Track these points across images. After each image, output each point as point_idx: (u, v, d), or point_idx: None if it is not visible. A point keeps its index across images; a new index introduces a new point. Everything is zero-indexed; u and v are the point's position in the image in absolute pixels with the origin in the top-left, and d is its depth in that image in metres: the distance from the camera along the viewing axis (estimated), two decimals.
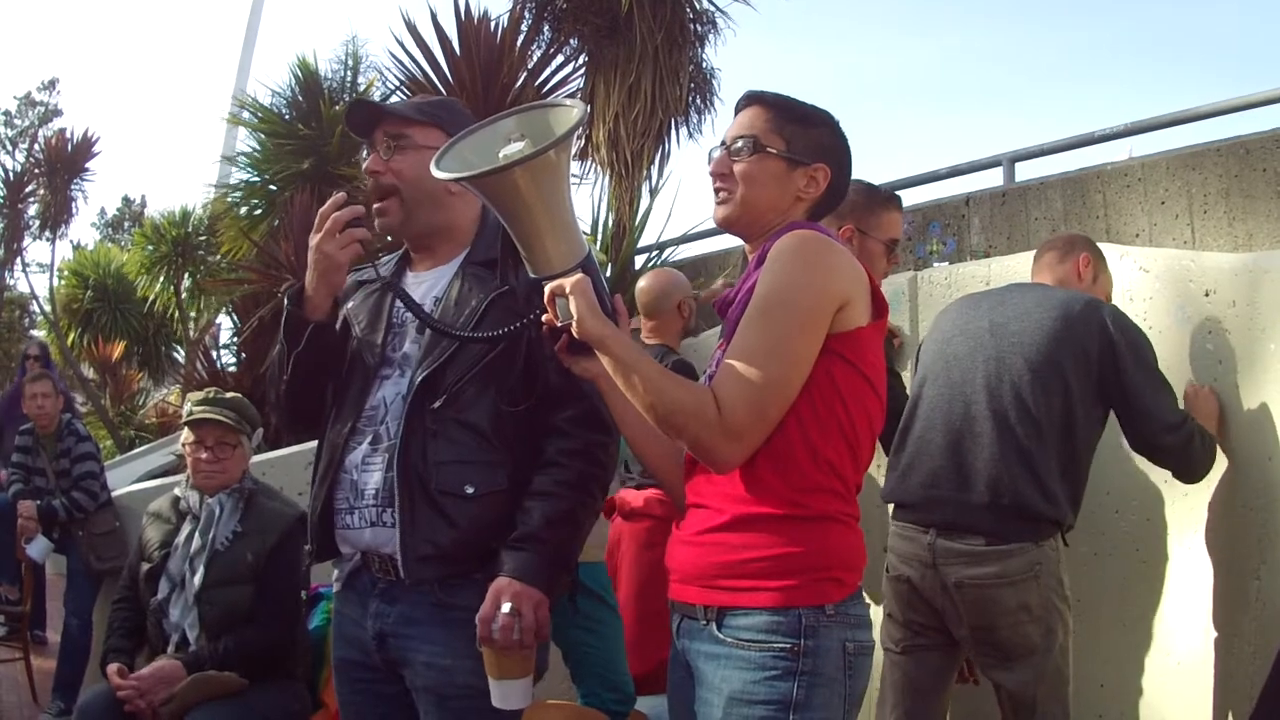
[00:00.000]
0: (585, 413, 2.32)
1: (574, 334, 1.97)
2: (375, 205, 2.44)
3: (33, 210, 18.88)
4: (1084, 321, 3.16)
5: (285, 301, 2.41)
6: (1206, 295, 3.45)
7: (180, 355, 17.44)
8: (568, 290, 1.96)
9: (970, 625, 3.10)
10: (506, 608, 2.12)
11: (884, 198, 3.43)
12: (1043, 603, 3.06)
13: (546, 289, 2.01)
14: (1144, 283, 3.64)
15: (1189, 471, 3.18)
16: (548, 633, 2.21)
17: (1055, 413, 3.11)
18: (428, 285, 2.47)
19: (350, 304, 2.54)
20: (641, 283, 4.79)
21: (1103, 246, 3.76)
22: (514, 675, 2.14)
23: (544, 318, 2.05)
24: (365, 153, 2.58)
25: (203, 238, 14.80)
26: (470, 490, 2.27)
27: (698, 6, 10.00)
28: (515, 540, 2.23)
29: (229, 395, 4.03)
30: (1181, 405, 3.24)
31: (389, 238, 2.54)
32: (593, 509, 2.37)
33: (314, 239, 2.32)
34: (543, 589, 2.19)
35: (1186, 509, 3.42)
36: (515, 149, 1.97)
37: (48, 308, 18.42)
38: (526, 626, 2.13)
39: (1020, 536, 3.05)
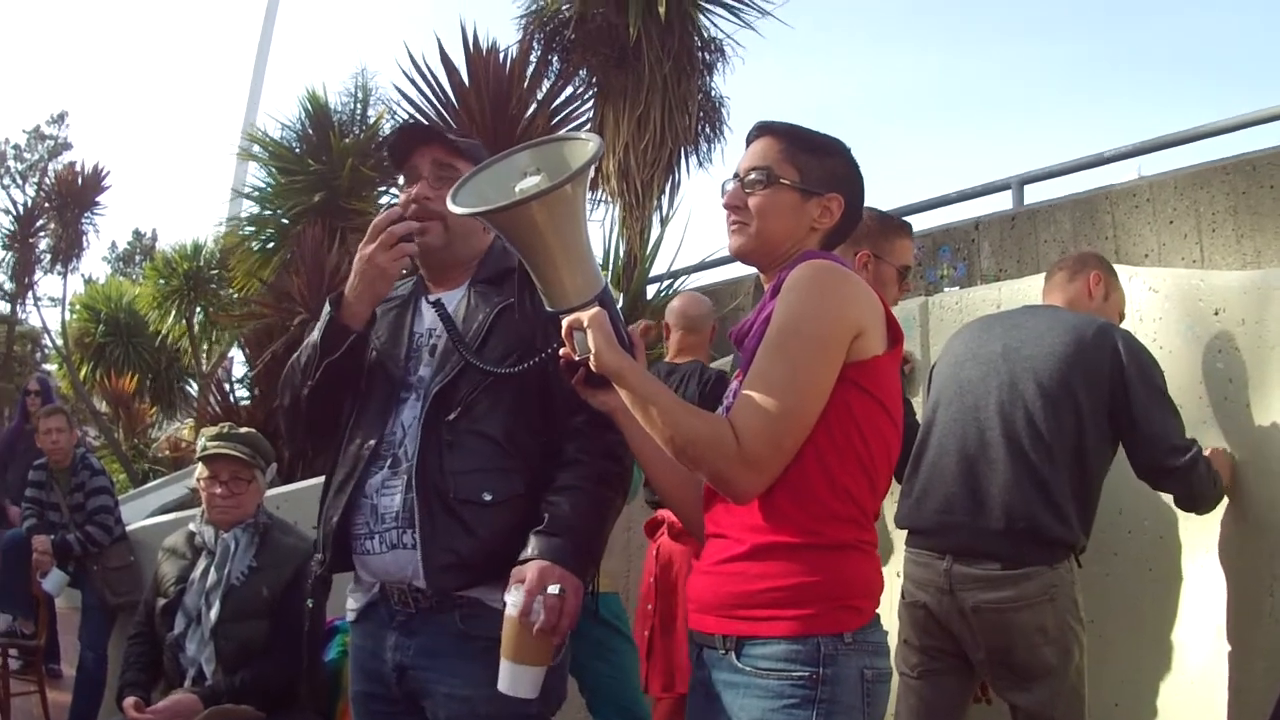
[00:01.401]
0: (601, 415, 2.31)
1: (592, 367, 1.98)
2: (418, 224, 2.45)
3: (43, 244, 18.99)
4: (1097, 346, 3.17)
5: (326, 306, 2.43)
6: (1216, 314, 3.46)
7: (193, 389, 17.49)
8: (585, 324, 1.98)
9: (987, 648, 3.10)
10: (555, 589, 2.10)
11: (896, 224, 3.44)
12: (1059, 624, 3.06)
13: (564, 322, 2.02)
14: (1153, 303, 3.64)
15: (1194, 498, 3.17)
16: (574, 624, 2.19)
17: (1068, 436, 3.12)
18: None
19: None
20: (683, 302, 4.90)
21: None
22: (533, 661, 2.10)
23: (561, 351, 2.07)
24: (402, 180, 2.61)
25: (214, 271, 14.86)
26: (489, 497, 2.28)
27: (705, 35, 10.04)
28: (549, 528, 2.22)
29: (243, 430, 4.05)
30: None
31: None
32: (614, 506, 2.37)
33: (366, 248, 2.35)
34: (580, 577, 2.19)
35: (1198, 528, 3.41)
36: (531, 183, 1.99)
37: (60, 342, 18.52)
38: (569, 610, 2.12)
39: (1036, 560, 3.06)
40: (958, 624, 3.13)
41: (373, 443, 2.41)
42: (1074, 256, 3.64)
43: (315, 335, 2.44)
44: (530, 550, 2.19)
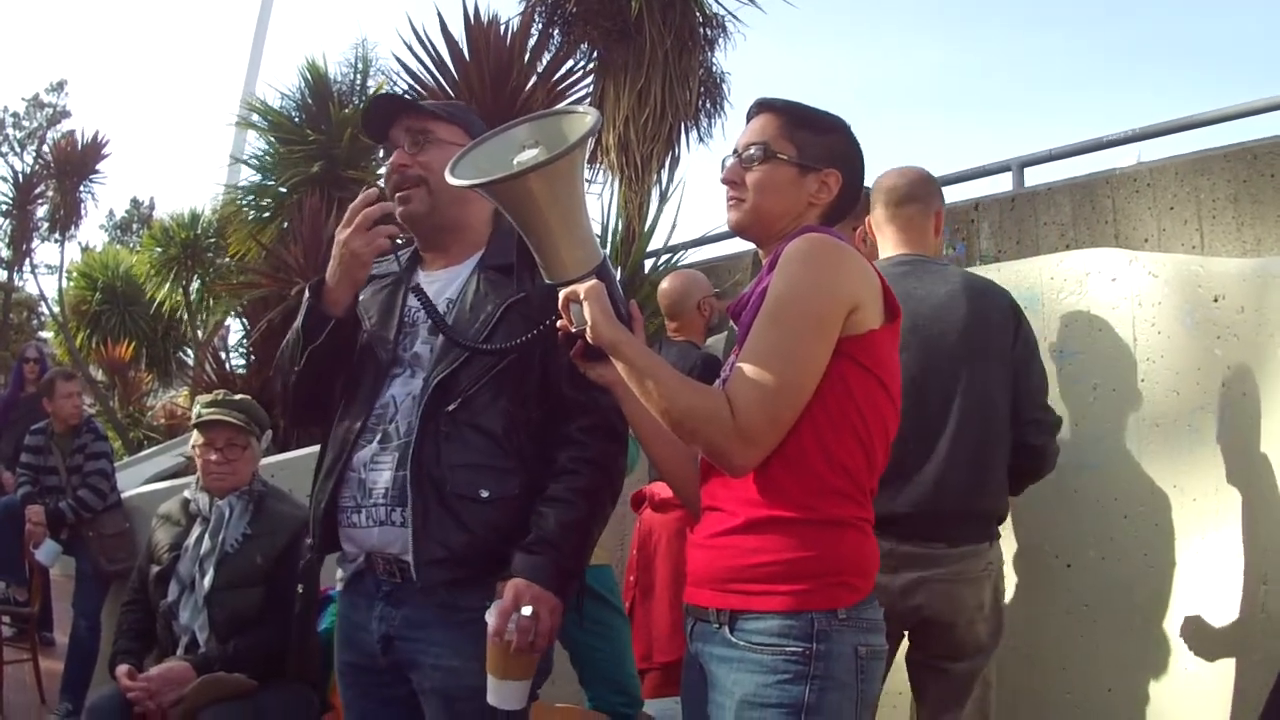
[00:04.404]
0: (598, 423, 2.33)
1: (588, 340, 1.98)
2: (399, 194, 2.44)
3: (41, 212, 19.02)
4: (999, 310, 3.14)
5: (306, 293, 2.42)
6: (1215, 300, 3.45)
7: (189, 357, 17.49)
8: (582, 296, 1.97)
9: (928, 623, 3.08)
10: (527, 611, 2.12)
11: None
12: (994, 601, 3.11)
13: (561, 295, 2.02)
14: (1153, 288, 3.63)
15: (1047, 457, 3.17)
16: (551, 640, 2.22)
17: (999, 410, 3.10)
18: (440, 285, 2.47)
19: (360, 297, 2.51)
20: (663, 284, 4.86)
21: (1112, 251, 3.76)
22: (517, 676, 2.14)
23: (559, 324, 2.06)
24: (382, 154, 2.60)
25: (211, 240, 14.84)
26: (485, 494, 2.27)
27: (707, 10, 10.02)
28: (531, 544, 2.23)
29: (238, 397, 4.04)
30: None
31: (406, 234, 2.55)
32: (603, 518, 2.36)
33: (341, 233, 2.33)
34: (558, 594, 2.20)
35: (1194, 514, 3.42)
36: (529, 156, 1.99)
37: (56, 309, 18.53)
38: (542, 630, 2.14)
39: (977, 538, 3.08)
40: (899, 601, 3.08)
41: (359, 423, 2.40)
42: (917, 181, 3.28)
43: (298, 322, 2.43)
44: (513, 566, 2.21)
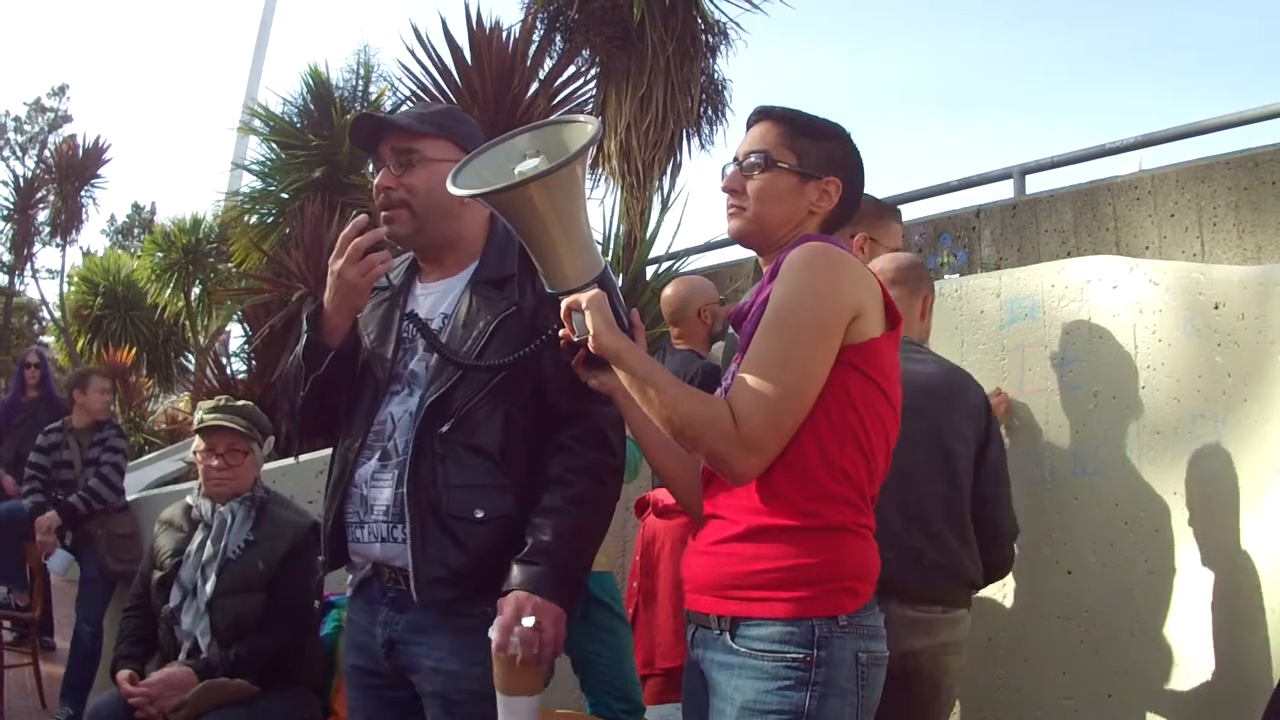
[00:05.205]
0: (590, 431, 2.33)
1: (590, 349, 1.99)
2: (384, 213, 2.44)
3: (43, 216, 19.04)
4: (974, 398, 3.22)
5: (304, 323, 2.43)
6: (1216, 308, 3.45)
7: (190, 363, 17.49)
8: (584, 305, 1.99)
9: (916, 689, 3.04)
10: (530, 621, 2.11)
11: (890, 209, 3.48)
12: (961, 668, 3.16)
13: (563, 304, 2.03)
14: (1153, 295, 3.64)
15: (1005, 563, 3.28)
16: (557, 651, 2.21)
17: (967, 483, 3.15)
18: (435, 298, 2.47)
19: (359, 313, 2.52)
20: (666, 291, 4.89)
21: (1113, 259, 3.76)
22: (525, 692, 2.13)
23: (560, 333, 2.07)
24: (373, 166, 2.59)
25: (213, 245, 14.84)
26: (480, 515, 2.28)
27: (709, 17, 10.02)
28: (529, 555, 2.22)
29: (240, 403, 4.05)
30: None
31: (398, 249, 2.54)
32: (599, 525, 2.36)
33: (335, 264, 2.33)
34: (560, 604, 2.19)
35: (1195, 522, 3.42)
36: (530, 165, 2.00)
37: (58, 314, 18.53)
38: (547, 640, 2.13)
39: (964, 602, 3.13)
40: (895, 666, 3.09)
41: (359, 440, 2.41)
42: (905, 267, 3.39)
43: (298, 351, 2.44)
44: (511, 579, 2.20)
